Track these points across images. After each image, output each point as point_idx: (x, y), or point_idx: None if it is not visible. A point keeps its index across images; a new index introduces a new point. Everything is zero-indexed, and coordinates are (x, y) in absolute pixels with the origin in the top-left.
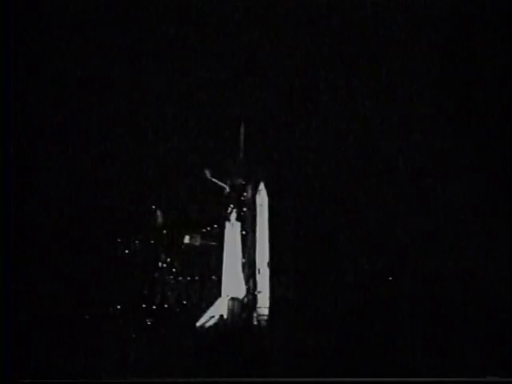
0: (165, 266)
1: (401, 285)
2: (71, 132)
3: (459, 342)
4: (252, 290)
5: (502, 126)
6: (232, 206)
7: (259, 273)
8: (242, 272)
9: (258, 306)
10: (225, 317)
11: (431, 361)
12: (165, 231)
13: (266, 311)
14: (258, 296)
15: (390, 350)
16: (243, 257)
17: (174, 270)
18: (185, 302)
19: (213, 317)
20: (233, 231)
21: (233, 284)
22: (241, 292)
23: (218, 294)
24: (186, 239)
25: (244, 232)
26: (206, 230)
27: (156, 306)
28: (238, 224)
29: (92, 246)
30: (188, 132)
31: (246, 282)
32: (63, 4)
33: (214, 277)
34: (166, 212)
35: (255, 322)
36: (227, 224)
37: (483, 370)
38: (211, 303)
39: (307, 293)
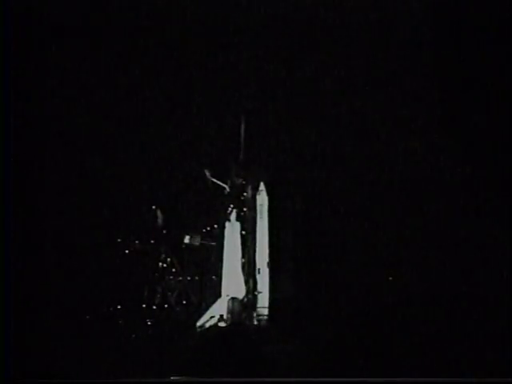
0: (165, 266)
1: (401, 285)
2: (71, 133)
3: (459, 342)
4: (252, 290)
5: (502, 126)
6: (232, 205)
7: (259, 273)
8: (242, 272)
9: (258, 305)
10: (225, 317)
11: (431, 361)
12: (165, 231)
13: (265, 311)
14: (258, 296)
15: (390, 349)
16: (243, 257)
17: (173, 270)
18: (185, 302)
19: (213, 317)
20: (233, 231)
21: (233, 284)
22: (241, 292)
23: (218, 294)
24: (186, 239)
25: (244, 232)
26: (206, 230)
27: (156, 305)
28: (238, 224)
29: (92, 246)
30: (188, 132)
31: (246, 282)
32: (63, 5)
33: (214, 277)
34: (165, 212)
35: (255, 322)
36: (227, 224)
37: (483, 370)
38: (211, 303)
39: (307, 293)
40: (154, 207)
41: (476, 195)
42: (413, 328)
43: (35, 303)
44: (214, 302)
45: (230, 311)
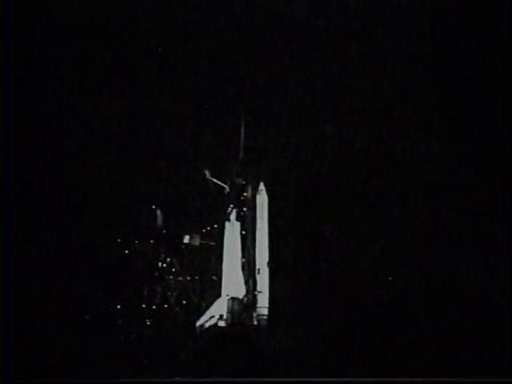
0: (165, 265)
1: (401, 285)
2: (71, 132)
3: (459, 342)
4: (252, 290)
5: (501, 127)
6: (232, 205)
7: (259, 273)
8: (242, 272)
9: (258, 305)
10: (225, 317)
11: (431, 361)
12: (165, 231)
13: (265, 311)
14: (258, 296)
15: (390, 349)
16: (243, 257)
17: (173, 270)
18: (185, 302)
19: (213, 317)
20: (233, 231)
21: (233, 284)
22: (241, 292)
23: (218, 294)
24: (186, 239)
25: (244, 232)
26: (206, 230)
27: (156, 305)
28: (238, 224)
29: (92, 246)
30: (188, 132)
31: (246, 282)
32: (63, 5)
33: (214, 277)
34: (165, 212)
35: (255, 322)
36: (227, 224)
37: (483, 370)
38: (211, 303)
39: (307, 293)
40: (154, 207)
41: (476, 195)
42: (413, 328)
43: (35, 303)
44: (213, 302)
45: (230, 311)
